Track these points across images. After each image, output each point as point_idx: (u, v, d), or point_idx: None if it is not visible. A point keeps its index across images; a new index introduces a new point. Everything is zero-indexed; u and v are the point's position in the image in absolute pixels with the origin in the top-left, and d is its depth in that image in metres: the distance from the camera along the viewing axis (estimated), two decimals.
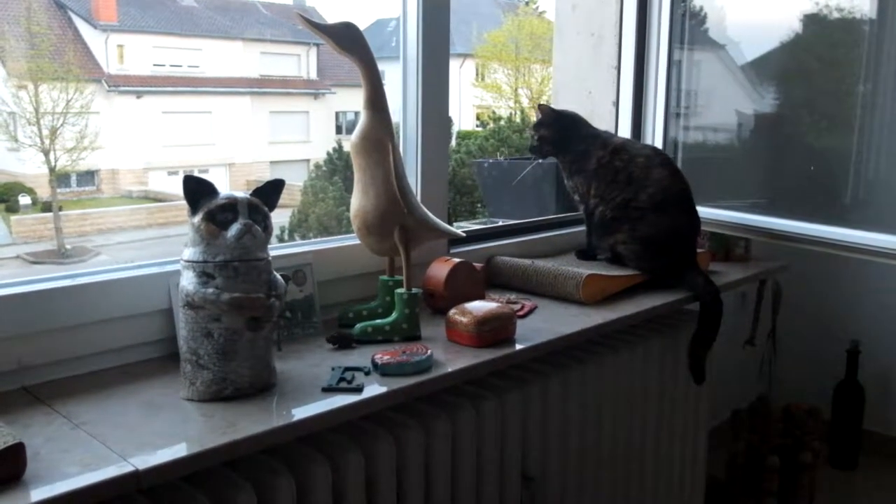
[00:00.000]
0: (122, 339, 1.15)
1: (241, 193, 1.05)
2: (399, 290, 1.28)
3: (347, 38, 1.24)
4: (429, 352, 1.16)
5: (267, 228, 1.05)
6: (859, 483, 2.47)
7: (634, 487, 1.66)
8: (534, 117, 1.72)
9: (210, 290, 1.00)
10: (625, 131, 2.06)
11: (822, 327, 2.62)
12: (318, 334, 1.30)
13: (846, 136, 1.96)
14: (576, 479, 1.49)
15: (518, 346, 1.26)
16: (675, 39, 2.03)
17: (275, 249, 1.25)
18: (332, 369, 1.12)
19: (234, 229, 1.01)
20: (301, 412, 1.00)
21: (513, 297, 1.52)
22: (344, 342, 1.24)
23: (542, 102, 1.77)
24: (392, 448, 1.13)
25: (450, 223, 1.59)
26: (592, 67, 2.13)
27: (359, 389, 1.06)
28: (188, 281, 1.02)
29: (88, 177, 9.49)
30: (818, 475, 2.18)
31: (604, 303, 1.51)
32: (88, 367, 1.12)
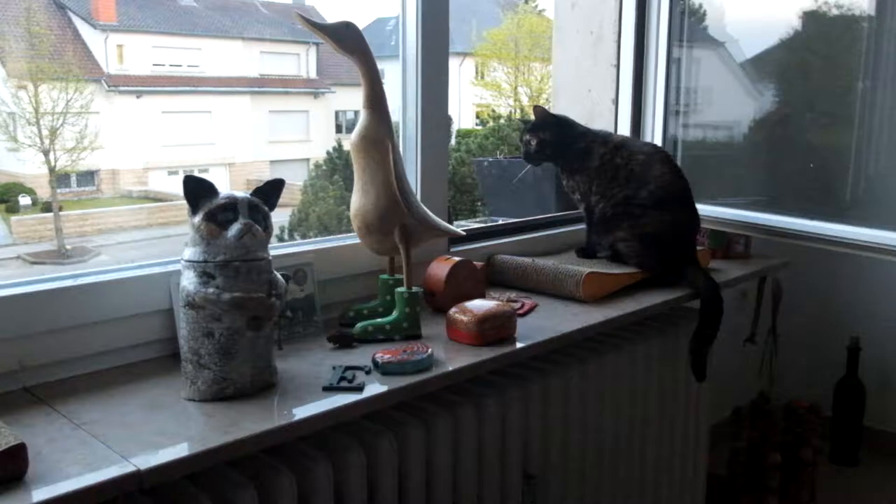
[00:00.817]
0: (124, 339, 1.15)
1: (242, 193, 1.05)
2: (399, 289, 1.28)
3: (347, 38, 1.24)
4: (429, 350, 1.16)
5: (267, 228, 1.06)
6: (860, 479, 2.48)
7: (636, 484, 1.66)
8: (533, 116, 1.71)
9: (211, 290, 1.01)
10: (624, 129, 2.06)
11: (822, 324, 2.62)
12: (318, 333, 1.30)
13: (846, 133, 1.97)
14: (577, 477, 1.49)
15: (518, 345, 1.26)
16: (675, 37, 2.03)
17: (275, 249, 1.25)
18: (333, 368, 1.13)
19: (234, 229, 1.01)
20: (302, 411, 1.00)
21: (513, 295, 1.52)
22: (344, 341, 1.24)
23: (537, 104, 1.75)
24: (393, 446, 1.14)
25: (450, 222, 1.59)
26: (592, 65, 2.13)
27: (360, 388, 1.07)
28: (189, 281, 1.02)
29: (88, 177, 9.50)
30: (819, 472, 2.18)
31: (604, 301, 1.51)
32: (90, 368, 1.12)
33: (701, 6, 2.14)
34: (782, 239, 1.85)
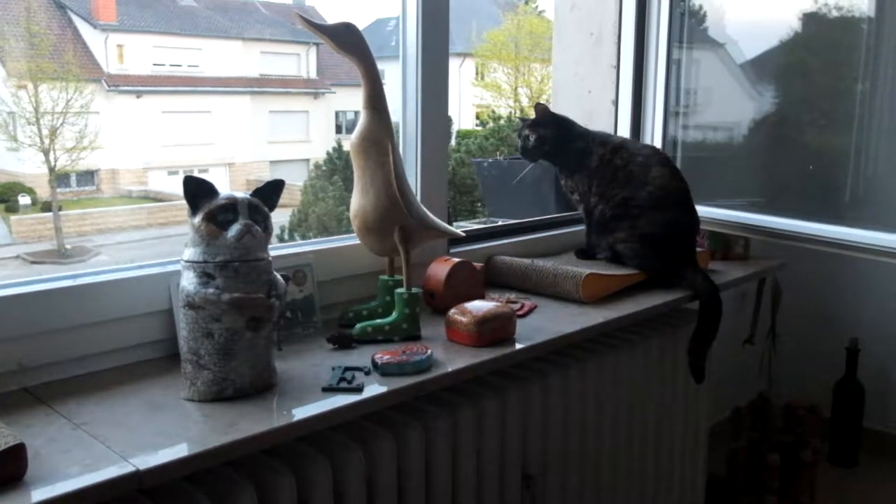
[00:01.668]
0: (123, 339, 1.15)
1: (242, 194, 1.05)
2: (399, 290, 1.28)
3: (347, 39, 1.24)
4: (429, 351, 1.16)
5: (267, 229, 1.06)
6: (859, 480, 2.48)
7: (635, 485, 1.66)
8: (533, 117, 1.71)
9: (210, 291, 1.01)
10: (624, 130, 2.06)
11: (821, 325, 2.62)
12: (318, 334, 1.30)
13: (845, 135, 1.97)
14: (576, 477, 1.49)
15: (518, 346, 1.26)
16: (674, 38, 2.03)
17: (275, 249, 1.25)
18: (333, 369, 1.13)
19: (234, 230, 1.01)
20: (301, 412, 1.00)
21: (513, 296, 1.52)
22: (344, 342, 1.24)
23: (539, 102, 1.75)
24: (393, 447, 1.14)
25: (450, 223, 1.59)
26: (592, 66, 2.13)
27: (359, 389, 1.07)
28: (188, 281, 1.02)
29: (88, 176, 9.50)
30: (818, 472, 2.18)
31: (603, 302, 1.51)
32: (89, 368, 1.12)
33: (701, 7, 2.15)
34: (781, 241, 1.85)
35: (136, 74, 9.81)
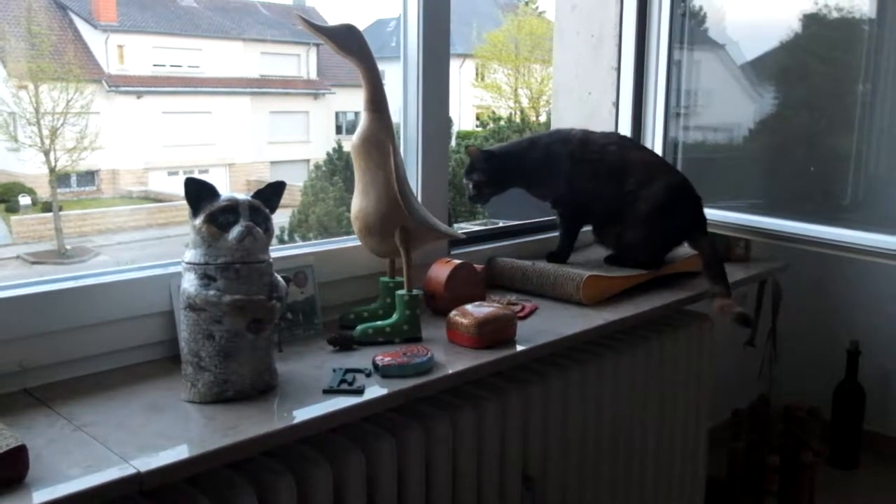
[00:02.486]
0: (124, 341, 1.15)
1: (243, 195, 1.05)
2: (400, 292, 1.28)
3: (348, 41, 1.24)
4: (429, 353, 1.16)
5: (268, 230, 1.06)
6: (859, 483, 2.48)
7: (635, 487, 1.66)
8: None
9: (211, 293, 1.01)
10: (625, 132, 2.06)
11: (822, 328, 2.63)
12: (318, 336, 1.30)
13: (846, 136, 1.97)
14: (576, 479, 1.49)
15: (518, 348, 1.26)
16: (675, 39, 2.03)
17: (276, 251, 1.25)
18: (333, 371, 1.13)
19: (235, 231, 1.01)
20: (302, 414, 1.00)
21: (513, 298, 1.52)
22: (345, 344, 1.24)
23: (469, 145, 1.70)
24: (393, 449, 1.14)
25: (450, 224, 1.59)
26: (592, 68, 2.13)
27: (360, 391, 1.07)
28: (189, 283, 1.02)
29: (88, 177, 9.51)
30: (818, 475, 2.18)
31: (604, 304, 1.51)
32: (90, 369, 1.12)
33: (701, 8, 2.15)
34: (782, 242, 1.85)
35: (137, 75, 9.82)
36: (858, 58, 1.96)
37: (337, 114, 11.27)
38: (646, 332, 1.65)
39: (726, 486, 2.14)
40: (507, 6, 13.65)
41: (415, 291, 1.28)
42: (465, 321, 1.25)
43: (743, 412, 2.16)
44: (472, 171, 1.61)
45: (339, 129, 11.05)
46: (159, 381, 1.10)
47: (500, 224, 1.98)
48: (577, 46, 2.16)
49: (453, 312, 1.28)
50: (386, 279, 1.36)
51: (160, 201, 9.26)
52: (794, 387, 2.44)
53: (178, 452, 0.89)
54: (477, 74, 12.92)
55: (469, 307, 1.28)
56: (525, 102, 11.83)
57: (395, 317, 1.28)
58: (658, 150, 2.01)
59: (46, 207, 8.49)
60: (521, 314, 1.42)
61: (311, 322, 1.31)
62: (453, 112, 1.46)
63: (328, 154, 7.19)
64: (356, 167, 1.29)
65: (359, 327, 1.26)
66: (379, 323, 1.27)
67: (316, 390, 1.07)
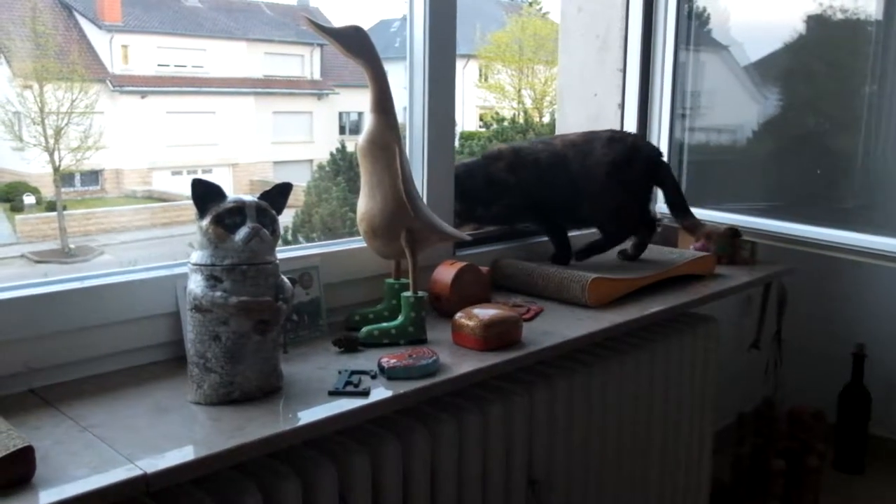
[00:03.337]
0: (129, 341, 1.15)
1: (249, 197, 1.05)
2: (405, 294, 1.28)
3: (355, 42, 1.24)
4: (435, 356, 1.16)
5: (275, 232, 1.06)
6: (865, 487, 2.47)
7: (639, 490, 1.66)
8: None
9: (218, 294, 1.00)
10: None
11: (827, 331, 2.61)
12: (324, 337, 1.30)
13: (852, 138, 1.96)
14: (581, 482, 1.49)
15: (524, 350, 1.26)
16: (681, 40, 2.02)
17: (281, 252, 1.25)
18: (339, 373, 1.12)
19: (242, 233, 1.01)
20: (308, 416, 1.00)
21: (519, 300, 1.52)
22: (350, 345, 1.24)
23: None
24: (398, 451, 1.13)
25: (455, 226, 1.59)
26: (598, 70, 2.12)
27: (365, 393, 1.06)
28: (196, 284, 1.02)
29: (92, 176, 9.53)
30: (823, 479, 2.17)
31: (610, 306, 1.51)
32: (95, 370, 1.12)
33: (705, 9, 2.14)
34: (788, 245, 1.84)
35: (141, 75, 9.84)
36: (864, 59, 1.95)
37: (340, 114, 11.27)
38: (651, 334, 1.65)
39: (731, 489, 2.13)
40: (510, 7, 13.65)
41: (420, 293, 1.28)
42: (470, 323, 1.24)
43: (747, 416, 2.15)
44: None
45: (342, 130, 11.06)
46: (165, 382, 1.10)
47: None
48: (583, 48, 2.15)
49: (459, 314, 1.27)
50: (391, 281, 1.35)
51: (164, 201, 9.28)
52: (800, 390, 2.43)
53: (185, 454, 0.89)
54: (480, 75, 12.92)
55: (475, 309, 1.28)
56: (528, 103, 11.83)
57: (400, 318, 1.27)
58: (664, 152, 2.01)
59: (50, 207, 8.51)
60: (527, 316, 1.42)
61: (316, 323, 1.31)
62: (456, 112, 1.46)
63: (331, 154, 7.18)
64: (362, 169, 1.29)
65: (364, 329, 1.26)
66: (384, 325, 1.27)
67: (321, 392, 1.07)
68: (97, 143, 8.84)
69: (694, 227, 1.73)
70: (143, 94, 9.88)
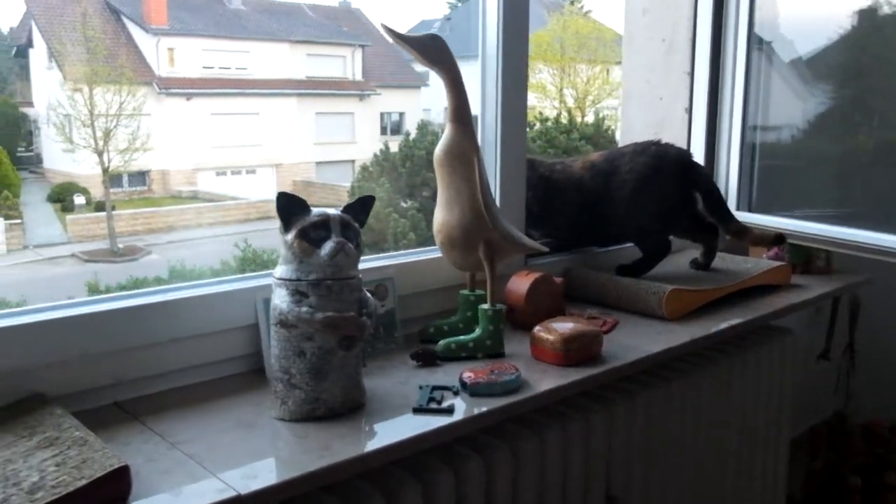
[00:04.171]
0: (208, 354, 1.15)
1: (334, 211, 1.03)
2: (483, 306, 1.25)
3: (433, 51, 1.21)
4: (517, 371, 1.13)
5: (358, 246, 1.04)
6: None
7: None
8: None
9: (304, 310, 0.99)
10: (698, 139, 1.99)
11: None
12: (399, 349, 1.28)
13: None
14: (658, 498, 1.44)
15: (605, 366, 1.22)
16: (753, 41, 1.95)
17: None
18: (420, 388, 1.10)
19: (327, 247, 0.99)
20: (394, 434, 0.98)
21: (594, 311, 1.48)
22: (428, 359, 1.21)
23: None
24: (481, 468, 1.11)
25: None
26: (664, 73, 2.07)
27: (450, 411, 1.04)
28: (281, 299, 1.00)
29: (140, 177, 9.72)
30: None
31: (687, 318, 1.46)
32: (175, 383, 1.12)
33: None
34: (863, 254, 1.77)
35: (187, 77, 10.00)
36: None
37: (382, 114, 11.31)
38: (727, 346, 1.60)
39: None
40: (552, 6, 13.53)
41: (498, 306, 1.25)
42: (550, 337, 1.21)
43: (820, 429, 2.08)
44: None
45: (384, 130, 11.10)
46: (245, 397, 1.09)
47: None
48: (648, 51, 2.10)
49: (537, 328, 1.24)
50: (466, 292, 1.33)
51: (209, 201, 9.41)
52: (875, 403, 2.34)
53: (275, 473, 0.88)
54: None
55: (553, 323, 1.24)
56: (570, 102, 11.71)
57: (477, 331, 1.25)
58: (735, 158, 1.95)
59: (99, 207, 8.70)
60: (604, 329, 1.38)
61: (392, 335, 1.29)
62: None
63: (375, 155, 7.19)
64: (439, 180, 1.26)
65: (441, 342, 1.24)
66: (462, 338, 1.24)
67: (404, 408, 1.05)
68: (144, 144, 9.02)
69: (741, 232, 1.66)
70: (189, 96, 10.04)
